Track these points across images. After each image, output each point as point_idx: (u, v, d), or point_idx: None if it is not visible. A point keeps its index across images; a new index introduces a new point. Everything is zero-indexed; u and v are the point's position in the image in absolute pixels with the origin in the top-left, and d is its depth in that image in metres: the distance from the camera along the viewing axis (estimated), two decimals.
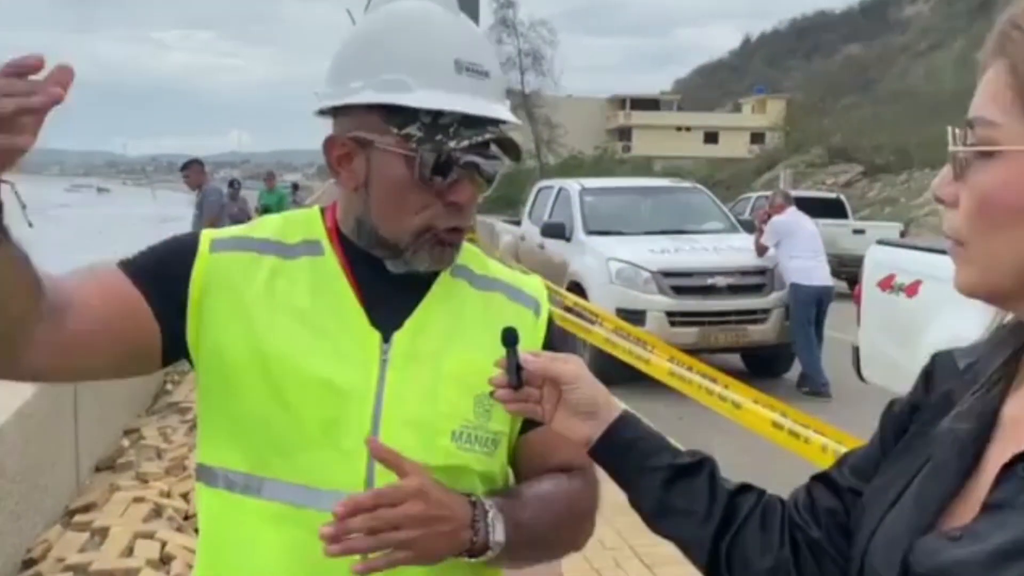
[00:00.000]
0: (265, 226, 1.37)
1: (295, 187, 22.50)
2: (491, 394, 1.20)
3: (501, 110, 1.28)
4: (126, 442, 6.09)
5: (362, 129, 1.26)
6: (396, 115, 1.24)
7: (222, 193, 9.63)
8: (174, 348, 1.28)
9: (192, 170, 9.63)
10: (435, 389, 1.27)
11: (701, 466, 1.13)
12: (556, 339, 1.42)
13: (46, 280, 1.14)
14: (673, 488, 1.11)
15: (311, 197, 15.17)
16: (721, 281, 8.70)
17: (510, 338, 1.17)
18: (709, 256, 8.99)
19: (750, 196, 19.15)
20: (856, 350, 6.46)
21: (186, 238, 1.34)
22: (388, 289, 1.31)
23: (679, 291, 8.63)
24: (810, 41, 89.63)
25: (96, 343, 1.22)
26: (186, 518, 4.80)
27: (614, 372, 5.07)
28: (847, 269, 13.88)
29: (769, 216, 8.90)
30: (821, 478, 1.10)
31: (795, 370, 8.80)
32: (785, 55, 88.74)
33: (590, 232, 9.77)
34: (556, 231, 10.10)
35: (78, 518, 4.62)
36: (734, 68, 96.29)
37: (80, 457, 5.23)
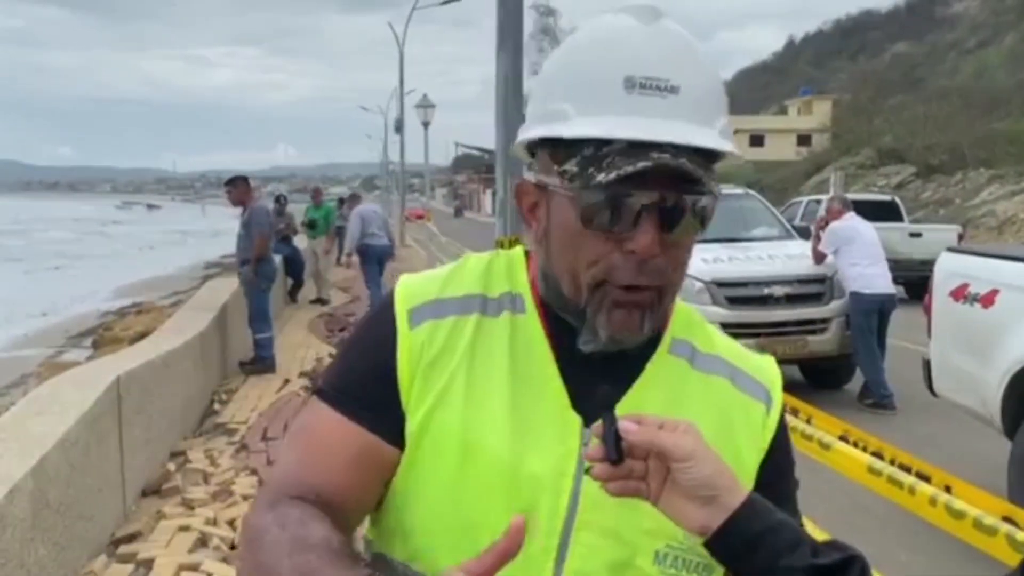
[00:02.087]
0: (466, 274, 1.17)
1: (341, 201, 22.52)
2: (586, 470, 0.99)
3: (679, 129, 1.00)
4: (172, 466, 6.01)
5: (541, 172, 1.09)
6: (559, 151, 1.04)
7: (269, 212, 9.55)
8: None
9: (236, 186, 9.53)
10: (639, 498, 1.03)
11: (850, 565, 0.93)
12: (784, 441, 1.17)
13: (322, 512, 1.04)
14: None
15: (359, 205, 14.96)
16: (778, 290, 8.42)
17: (604, 402, 0.97)
18: (765, 265, 8.72)
19: (801, 200, 18.73)
20: (927, 363, 6.16)
21: (380, 325, 1.14)
22: (592, 365, 1.09)
23: (734, 302, 8.37)
24: (856, 41, 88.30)
25: (364, 509, 1.13)
26: (232, 547, 4.68)
27: None
28: (904, 274, 13.51)
29: (827, 222, 8.61)
30: None
31: (857, 381, 8.50)
32: (830, 56, 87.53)
33: None
34: None
35: (123, 548, 4.52)
36: (778, 70, 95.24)
37: (126, 483, 5.14)
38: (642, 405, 1.07)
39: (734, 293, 8.40)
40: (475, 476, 1.06)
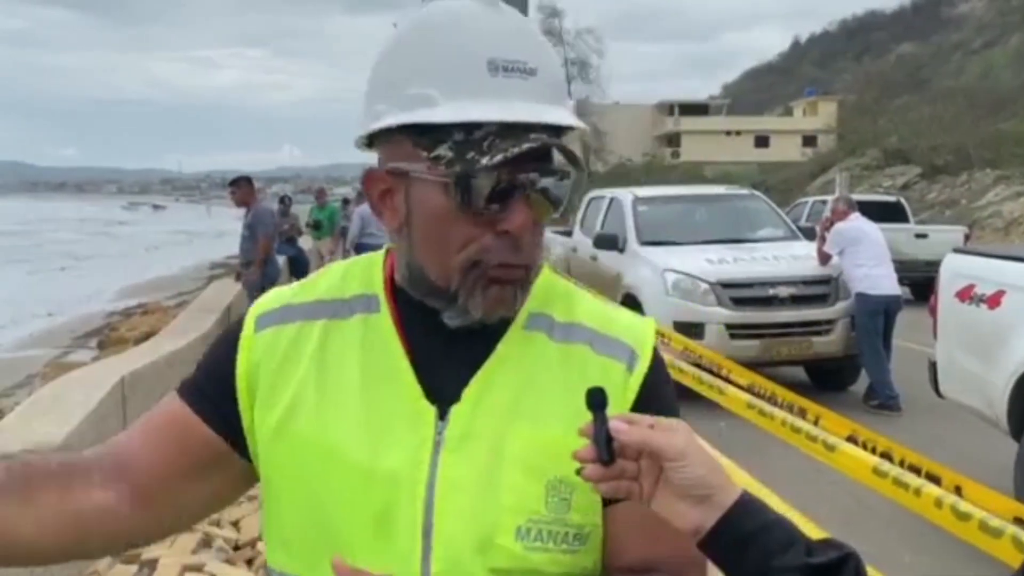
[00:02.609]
0: (323, 279, 1.19)
1: (345, 202, 22.53)
2: (577, 471, 0.97)
3: (550, 111, 1.03)
4: None
5: (397, 158, 1.07)
6: (425, 136, 1.04)
7: (273, 214, 9.55)
8: (248, 456, 1.17)
9: (240, 187, 9.55)
10: (496, 476, 1.05)
11: (844, 564, 0.92)
12: (655, 400, 1.11)
13: (93, 461, 1.16)
14: None
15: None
16: (783, 291, 8.40)
17: (596, 401, 0.96)
18: (770, 265, 8.70)
19: (806, 201, 18.73)
20: (933, 365, 6.14)
21: (231, 330, 1.19)
22: (449, 351, 1.10)
23: (739, 302, 8.35)
24: (861, 41, 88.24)
25: (171, 487, 1.15)
26: (236, 548, 4.69)
27: None
28: (910, 275, 13.49)
29: (832, 223, 8.59)
30: None
31: (862, 383, 8.48)
32: (835, 56, 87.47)
33: (644, 243, 9.52)
34: (609, 242, 9.86)
35: (127, 550, 4.52)
36: (783, 71, 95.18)
37: None
38: (494, 383, 1.08)
39: (739, 294, 8.39)
40: (335, 481, 1.07)
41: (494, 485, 1.05)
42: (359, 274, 1.18)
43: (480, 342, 1.10)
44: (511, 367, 1.10)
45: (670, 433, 0.95)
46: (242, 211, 9.44)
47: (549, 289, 1.16)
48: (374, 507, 1.06)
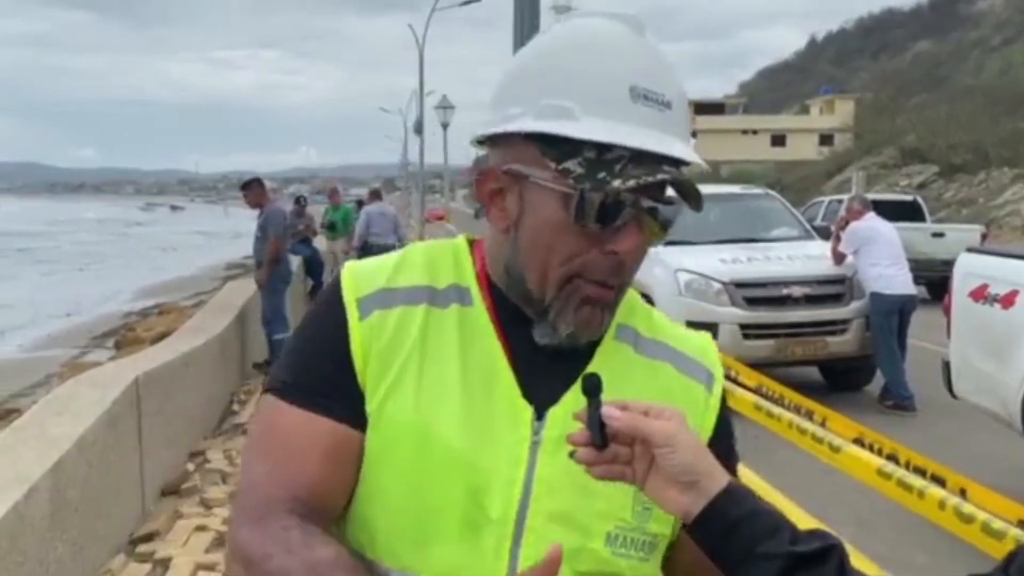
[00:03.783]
0: (411, 265, 1.17)
1: (359, 203, 22.58)
2: (571, 454, 1.01)
3: (682, 148, 1.06)
4: (191, 466, 6.05)
5: (518, 162, 1.08)
6: (556, 147, 1.05)
7: (285, 215, 9.58)
8: None
9: (252, 189, 9.59)
10: (589, 480, 1.04)
11: (828, 554, 0.93)
12: (726, 421, 1.20)
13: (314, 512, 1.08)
14: None
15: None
16: (797, 291, 8.36)
17: (590, 387, 0.99)
18: (784, 265, 8.66)
19: (822, 200, 18.62)
20: (947, 365, 6.11)
21: (330, 317, 1.14)
22: (544, 354, 1.11)
23: (753, 302, 8.32)
24: (878, 39, 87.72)
25: (349, 494, 1.12)
26: None
27: None
28: (926, 274, 13.42)
29: (847, 222, 8.55)
30: None
31: (877, 383, 8.44)
32: (852, 54, 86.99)
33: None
34: None
35: (141, 548, 4.56)
36: (800, 69, 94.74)
37: (145, 482, 5.18)
38: None
39: (753, 294, 8.36)
40: (430, 466, 1.07)
41: (588, 490, 1.06)
42: (448, 263, 1.17)
43: (575, 351, 1.12)
44: (605, 376, 1.09)
45: (661, 421, 0.98)
46: (258, 212, 9.49)
47: (629, 301, 1.18)
48: (466, 498, 1.06)
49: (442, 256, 1.18)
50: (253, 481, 1.11)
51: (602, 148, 1.03)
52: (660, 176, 1.03)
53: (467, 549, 1.06)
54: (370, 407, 1.10)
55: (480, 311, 1.13)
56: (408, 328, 1.12)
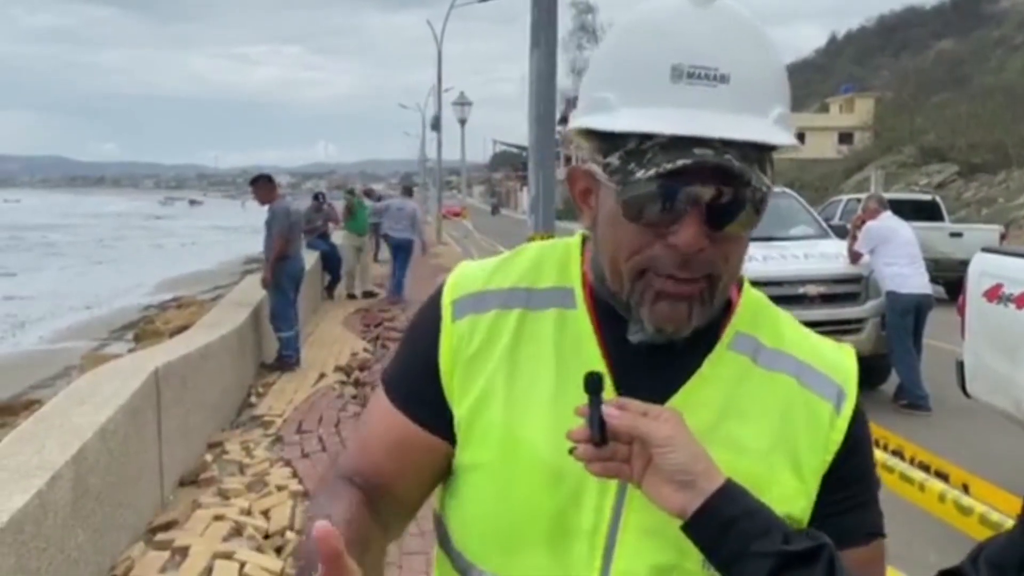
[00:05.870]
0: (516, 265, 1.16)
1: (378, 198, 22.61)
2: (570, 451, 1.00)
3: (730, 122, 0.95)
4: (209, 456, 6.12)
5: (591, 159, 1.05)
6: (606, 141, 1.01)
7: (289, 212, 9.54)
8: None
9: (260, 186, 9.58)
10: None
11: (818, 553, 0.96)
12: (858, 448, 1.09)
13: (362, 489, 1.14)
14: None
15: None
16: (813, 290, 8.37)
17: (592, 384, 1.00)
18: (799, 264, 8.66)
19: (840, 199, 18.55)
20: (960, 365, 6.10)
21: (428, 316, 1.16)
22: (648, 361, 1.07)
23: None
24: (899, 38, 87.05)
25: (411, 492, 1.17)
26: (266, 536, 4.77)
27: None
28: (944, 274, 13.37)
29: (863, 221, 8.54)
30: (952, 574, 0.92)
31: (892, 382, 8.43)
32: (873, 52, 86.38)
33: None
34: None
35: (160, 536, 4.63)
36: (820, 67, 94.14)
37: (164, 472, 5.26)
38: (696, 403, 1.05)
39: (768, 292, 7.95)
40: (517, 473, 1.07)
41: None
42: (555, 263, 1.15)
43: (678, 357, 1.07)
44: (714, 388, 1.07)
45: (659, 421, 0.99)
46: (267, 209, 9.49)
47: (758, 309, 1.13)
48: (555, 508, 1.05)
49: (550, 256, 1.16)
50: (345, 452, 1.23)
51: (643, 138, 0.97)
52: (680, 161, 0.94)
53: (556, 558, 1.05)
54: (459, 413, 1.11)
55: (581, 314, 1.10)
56: (500, 333, 1.11)
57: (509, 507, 1.07)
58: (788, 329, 1.13)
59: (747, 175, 0.96)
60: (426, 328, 1.15)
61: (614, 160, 0.99)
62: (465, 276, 1.16)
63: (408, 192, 17.76)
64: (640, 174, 0.96)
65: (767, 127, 0.98)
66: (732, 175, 0.96)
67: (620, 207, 0.99)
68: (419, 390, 1.13)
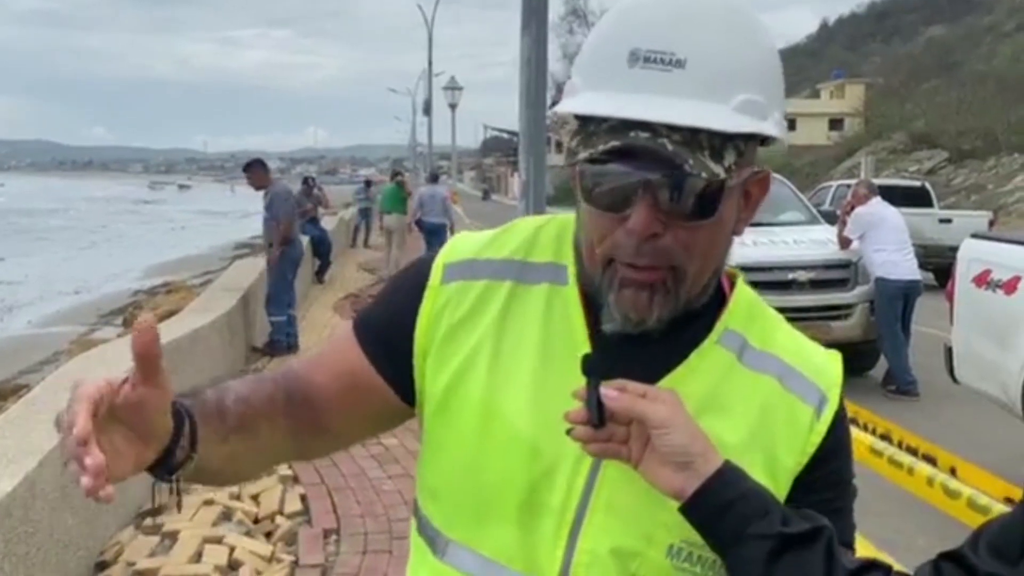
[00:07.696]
0: (512, 237, 1.16)
1: (368, 183, 22.60)
2: (568, 431, 1.00)
3: (678, 107, 0.93)
4: None
5: None
6: (578, 126, 1.02)
7: (289, 194, 9.54)
8: (413, 401, 1.17)
9: (253, 171, 9.56)
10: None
11: (817, 535, 0.96)
12: (836, 452, 1.09)
13: (282, 385, 1.16)
14: (780, 561, 0.94)
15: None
16: (802, 276, 8.39)
17: (589, 367, 1.00)
18: (789, 249, 8.67)
19: (830, 185, 18.57)
20: (949, 350, 6.14)
21: (419, 269, 1.17)
22: (635, 346, 1.05)
23: (757, 286, 8.08)
24: (890, 24, 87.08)
25: (338, 422, 1.18)
26: (256, 521, 4.78)
27: None
28: (933, 260, 13.44)
29: (852, 207, 8.56)
30: (952, 558, 0.92)
31: (880, 368, 8.46)
32: (864, 39, 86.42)
33: None
34: None
35: (149, 521, 4.62)
36: (811, 53, 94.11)
37: None
38: (679, 392, 1.03)
39: (757, 278, 8.33)
40: (491, 445, 1.07)
41: (656, 498, 1.01)
42: (552, 238, 1.15)
43: (664, 345, 1.06)
44: (698, 381, 1.07)
45: (658, 403, 0.98)
46: (263, 193, 9.46)
47: (752, 308, 1.14)
48: (528, 483, 1.05)
49: (547, 231, 1.16)
50: (299, 359, 1.29)
51: (600, 121, 0.97)
52: (612, 143, 0.95)
53: (524, 533, 1.06)
54: (440, 376, 1.11)
55: (572, 292, 1.10)
56: (489, 303, 1.11)
57: (482, 479, 1.07)
58: (778, 332, 1.14)
59: (679, 160, 0.94)
60: (414, 282, 1.16)
61: (573, 143, 1.00)
62: (461, 243, 1.18)
63: (434, 178, 18.92)
64: (581, 155, 0.98)
65: (725, 113, 0.95)
66: (666, 160, 0.95)
67: (579, 188, 1.01)
68: (387, 338, 1.15)
